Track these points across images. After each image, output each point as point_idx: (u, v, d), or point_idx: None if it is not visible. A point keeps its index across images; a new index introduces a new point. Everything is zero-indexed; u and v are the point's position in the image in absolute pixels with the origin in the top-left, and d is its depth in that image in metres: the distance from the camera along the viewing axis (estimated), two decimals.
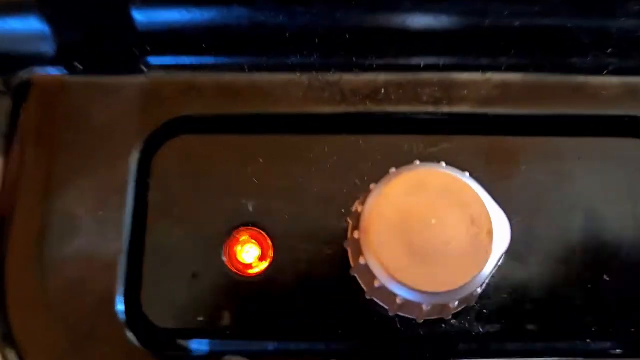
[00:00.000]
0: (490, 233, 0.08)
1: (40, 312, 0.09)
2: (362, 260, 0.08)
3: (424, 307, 0.08)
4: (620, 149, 0.10)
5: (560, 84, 0.10)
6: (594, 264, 0.09)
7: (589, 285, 0.09)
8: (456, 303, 0.08)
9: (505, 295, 0.09)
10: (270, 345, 0.09)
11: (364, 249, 0.08)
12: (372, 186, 0.08)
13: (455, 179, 0.08)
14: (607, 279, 0.09)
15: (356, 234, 0.08)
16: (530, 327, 0.09)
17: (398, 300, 0.08)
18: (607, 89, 0.10)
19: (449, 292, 0.08)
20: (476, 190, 0.08)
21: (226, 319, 0.09)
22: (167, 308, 0.09)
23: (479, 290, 0.08)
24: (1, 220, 0.10)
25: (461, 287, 0.08)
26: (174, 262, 0.09)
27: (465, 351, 0.09)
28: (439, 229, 0.08)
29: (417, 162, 0.08)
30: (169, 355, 0.09)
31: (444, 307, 0.08)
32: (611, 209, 0.10)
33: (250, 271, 0.09)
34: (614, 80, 0.10)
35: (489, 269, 0.08)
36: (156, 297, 0.09)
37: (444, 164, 0.08)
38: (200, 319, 0.09)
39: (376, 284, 0.08)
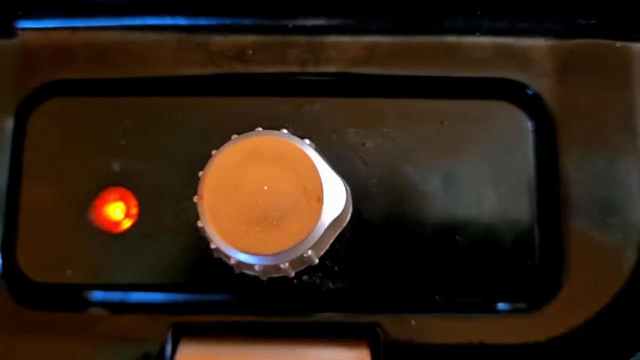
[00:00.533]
0: (320, 200, 0.08)
1: None
2: (199, 224, 0.08)
3: (257, 267, 0.08)
4: (490, 111, 0.10)
5: (430, 45, 0.10)
6: (449, 224, 0.10)
7: (443, 245, 0.10)
8: (286, 264, 0.08)
9: (357, 254, 0.10)
10: (134, 297, 0.10)
11: (200, 213, 0.08)
12: (213, 152, 0.08)
13: (292, 145, 0.08)
14: (460, 239, 0.10)
15: (195, 199, 0.08)
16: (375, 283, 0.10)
17: (232, 261, 0.08)
18: (479, 50, 0.10)
19: (277, 254, 0.08)
20: (311, 158, 0.08)
21: (94, 273, 0.10)
22: (40, 263, 0.10)
23: (310, 253, 0.08)
24: None
25: (288, 250, 0.08)
26: (47, 220, 0.10)
27: (310, 306, 0.09)
28: (270, 195, 0.08)
29: (259, 129, 0.09)
30: (41, 308, 0.10)
31: (278, 267, 0.08)
32: (473, 170, 0.10)
33: (117, 228, 0.10)
34: (486, 41, 0.10)
35: (316, 233, 0.08)
36: (30, 253, 0.10)
37: (285, 130, 0.09)
38: (70, 272, 0.10)
39: (212, 246, 0.08)
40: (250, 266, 0.08)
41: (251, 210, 0.08)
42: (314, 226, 0.08)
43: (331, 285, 0.10)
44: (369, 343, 0.09)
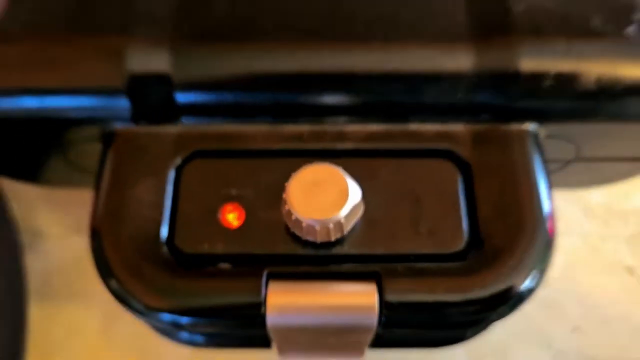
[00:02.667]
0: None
1: None
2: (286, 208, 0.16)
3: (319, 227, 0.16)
4: (433, 166, 0.19)
5: (397, 129, 0.19)
6: None
7: None
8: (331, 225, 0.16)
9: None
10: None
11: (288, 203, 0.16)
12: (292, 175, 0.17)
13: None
14: None
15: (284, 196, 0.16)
16: None
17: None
18: (427, 132, 0.19)
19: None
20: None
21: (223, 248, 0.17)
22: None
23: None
24: None
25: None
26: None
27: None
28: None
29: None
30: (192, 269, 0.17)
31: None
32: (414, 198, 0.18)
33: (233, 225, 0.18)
34: (432, 127, 0.19)
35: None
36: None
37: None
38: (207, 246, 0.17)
39: (292, 218, 0.16)
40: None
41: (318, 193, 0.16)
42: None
43: None
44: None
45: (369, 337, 0.17)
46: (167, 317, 0.17)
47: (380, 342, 0.19)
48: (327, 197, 0.16)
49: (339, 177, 0.16)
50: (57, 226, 0.27)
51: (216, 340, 0.20)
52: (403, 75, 0.18)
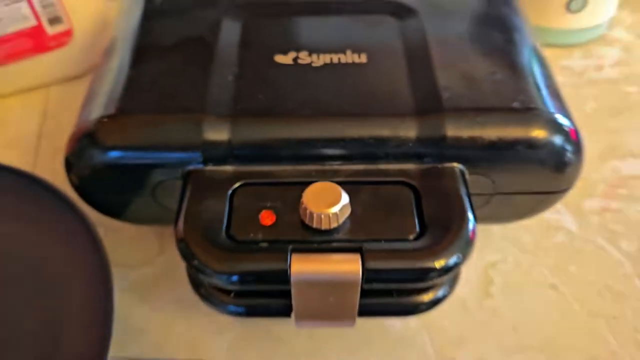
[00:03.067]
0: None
1: None
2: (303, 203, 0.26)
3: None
4: (396, 191, 0.29)
5: (377, 168, 0.30)
6: None
7: None
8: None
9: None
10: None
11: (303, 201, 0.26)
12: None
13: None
14: None
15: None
16: None
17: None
18: (390, 169, 0.30)
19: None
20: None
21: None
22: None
23: None
24: None
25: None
26: None
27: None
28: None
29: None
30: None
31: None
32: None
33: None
34: (393, 166, 0.30)
35: None
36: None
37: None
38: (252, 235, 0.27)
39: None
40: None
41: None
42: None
43: None
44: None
45: (357, 296, 0.27)
46: (229, 278, 0.26)
47: (363, 311, 0.28)
48: (328, 199, 0.26)
49: (335, 188, 0.27)
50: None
51: (251, 310, 0.29)
52: (376, 137, 0.30)
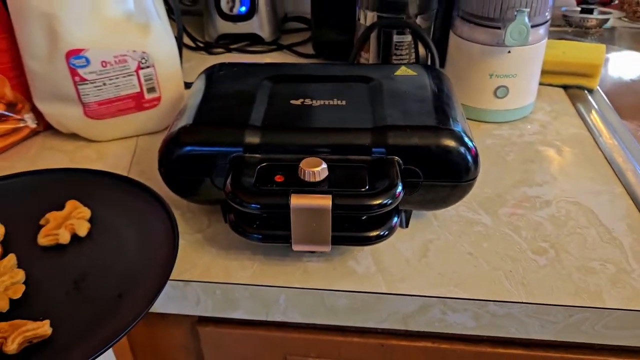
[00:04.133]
0: None
1: None
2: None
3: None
4: None
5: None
6: None
7: None
8: None
9: None
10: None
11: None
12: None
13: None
14: None
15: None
16: None
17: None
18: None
19: None
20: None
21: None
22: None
23: None
24: None
25: None
26: None
27: None
28: None
29: None
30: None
31: None
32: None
33: None
34: None
35: None
36: None
37: None
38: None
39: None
40: None
41: None
42: None
43: None
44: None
45: (329, 222, 0.45)
46: (255, 207, 0.45)
47: (335, 241, 0.46)
48: (314, 164, 0.46)
49: (319, 159, 0.47)
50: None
51: (266, 237, 0.47)
52: (349, 144, 0.50)
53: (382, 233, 0.48)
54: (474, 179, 0.51)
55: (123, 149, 0.68)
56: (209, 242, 0.54)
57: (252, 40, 0.93)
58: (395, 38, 0.73)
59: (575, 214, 0.57)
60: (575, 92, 0.79)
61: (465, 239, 0.54)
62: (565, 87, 0.81)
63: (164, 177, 0.52)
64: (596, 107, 0.75)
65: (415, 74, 0.59)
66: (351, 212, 0.46)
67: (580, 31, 0.99)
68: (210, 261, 0.52)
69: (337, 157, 0.49)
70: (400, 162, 0.49)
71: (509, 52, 0.67)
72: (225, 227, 0.55)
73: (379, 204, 0.45)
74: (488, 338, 0.53)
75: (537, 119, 0.73)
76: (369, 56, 0.75)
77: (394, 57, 0.74)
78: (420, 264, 0.51)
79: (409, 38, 0.73)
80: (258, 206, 0.45)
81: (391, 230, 0.48)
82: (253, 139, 0.50)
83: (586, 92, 0.79)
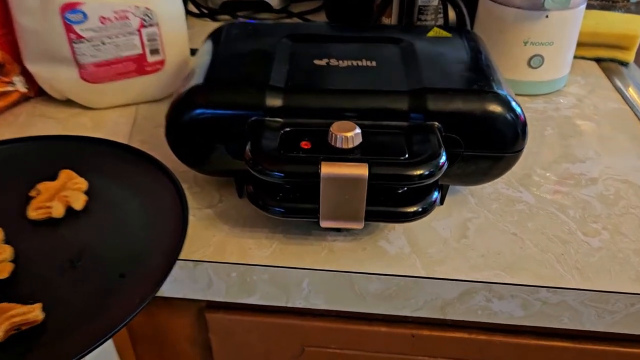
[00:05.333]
0: None
1: None
2: None
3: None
4: None
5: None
6: None
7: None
8: None
9: None
10: None
11: None
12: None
13: None
14: None
15: None
16: None
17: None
18: None
19: None
20: None
21: None
22: None
23: None
24: None
25: None
26: None
27: None
28: None
29: None
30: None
31: None
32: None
33: None
34: None
35: None
36: None
37: None
38: None
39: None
40: None
41: None
42: None
43: None
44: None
45: (364, 194, 0.39)
46: (279, 175, 0.39)
47: (369, 216, 0.40)
48: (347, 128, 0.40)
49: (351, 123, 0.41)
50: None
51: (289, 211, 0.41)
52: (384, 107, 0.44)
53: (420, 209, 0.42)
54: (521, 150, 0.45)
55: (122, 118, 0.61)
56: (221, 218, 0.48)
57: (258, 8, 0.87)
58: (421, 1, 0.67)
59: (626, 193, 0.51)
60: (609, 65, 0.74)
61: (507, 218, 0.48)
62: (598, 60, 0.75)
63: (171, 145, 0.46)
64: (634, 81, 0.70)
65: (449, 35, 0.53)
66: (390, 182, 0.40)
67: (606, 4, 0.93)
68: (223, 239, 0.46)
69: (369, 123, 0.43)
70: (441, 128, 0.43)
71: (547, 16, 0.61)
72: (239, 202, 0.49)
73: (421, 175, 0.39)
74: (531, 329, 0.47)
75: (572, 92, 0.68)
76: (390, 22, 0.69)
77: (417, 23, 0.68)
78: (460, 245, 0.46)
79: (435, 2, 0.67)
80: (282, 175, 0.39)
81: (431, 206, 0.42)
82: (275, 101, 0.44)
83: (620, 65, 0.74)
